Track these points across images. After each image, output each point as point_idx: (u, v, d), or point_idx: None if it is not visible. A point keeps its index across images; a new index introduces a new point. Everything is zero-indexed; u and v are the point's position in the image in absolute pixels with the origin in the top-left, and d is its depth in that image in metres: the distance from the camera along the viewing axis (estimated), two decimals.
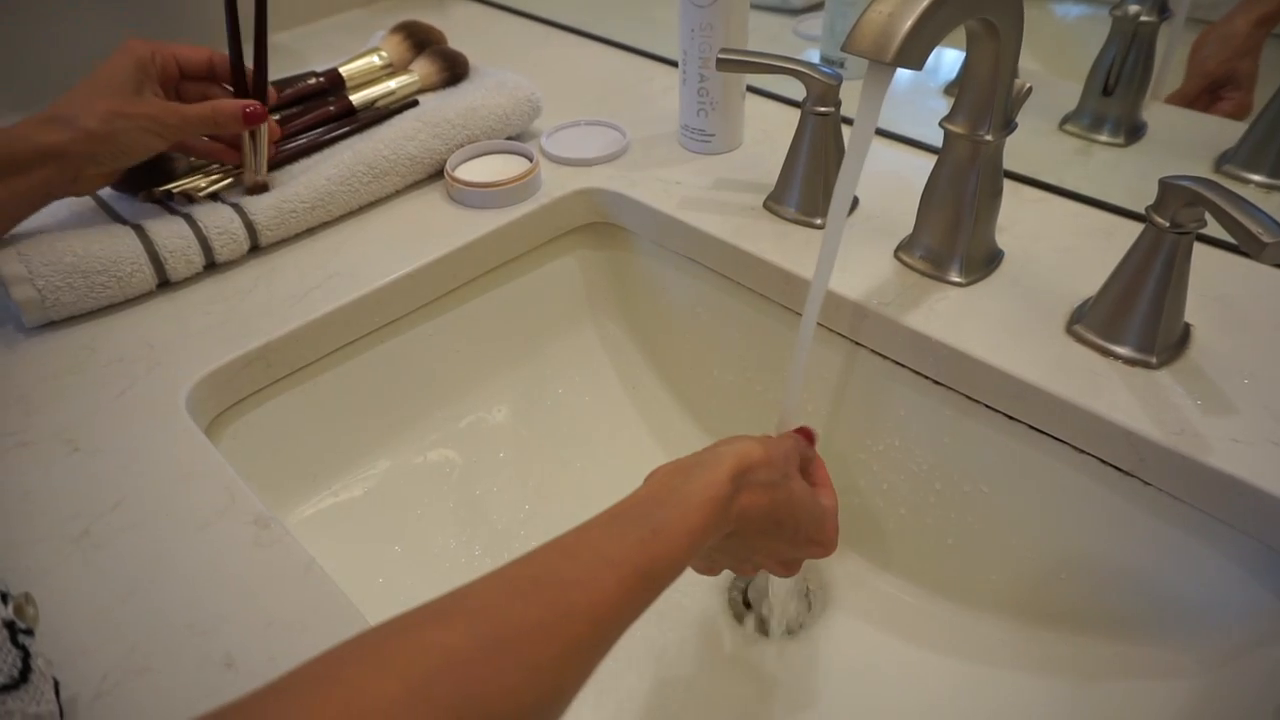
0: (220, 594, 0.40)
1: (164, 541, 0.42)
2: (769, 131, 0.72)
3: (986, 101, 0.50)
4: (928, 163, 0.54)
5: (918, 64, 0.41)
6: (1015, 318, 0.52)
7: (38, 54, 0.79)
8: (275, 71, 0.78)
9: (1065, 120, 0.71)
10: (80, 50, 0.80)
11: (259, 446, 0.55)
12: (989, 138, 0.50)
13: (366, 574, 0.57)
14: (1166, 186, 0.45)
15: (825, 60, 0.80)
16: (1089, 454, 0.48)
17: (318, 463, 0.59)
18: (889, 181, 0.64)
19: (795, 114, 0.60)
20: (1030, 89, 0.51)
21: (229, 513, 0.43)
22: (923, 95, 0.78)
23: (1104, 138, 0.70)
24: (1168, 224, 0.45)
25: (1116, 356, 0.49)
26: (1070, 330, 0.51)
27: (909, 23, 0.40)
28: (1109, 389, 0.47)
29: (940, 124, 0.52)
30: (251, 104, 0.59)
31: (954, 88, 0.77)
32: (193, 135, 0.58)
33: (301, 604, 0.39)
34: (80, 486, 0.44)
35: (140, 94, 0.55)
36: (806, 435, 0.51)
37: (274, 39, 0.92)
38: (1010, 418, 0.51)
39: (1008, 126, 0.51)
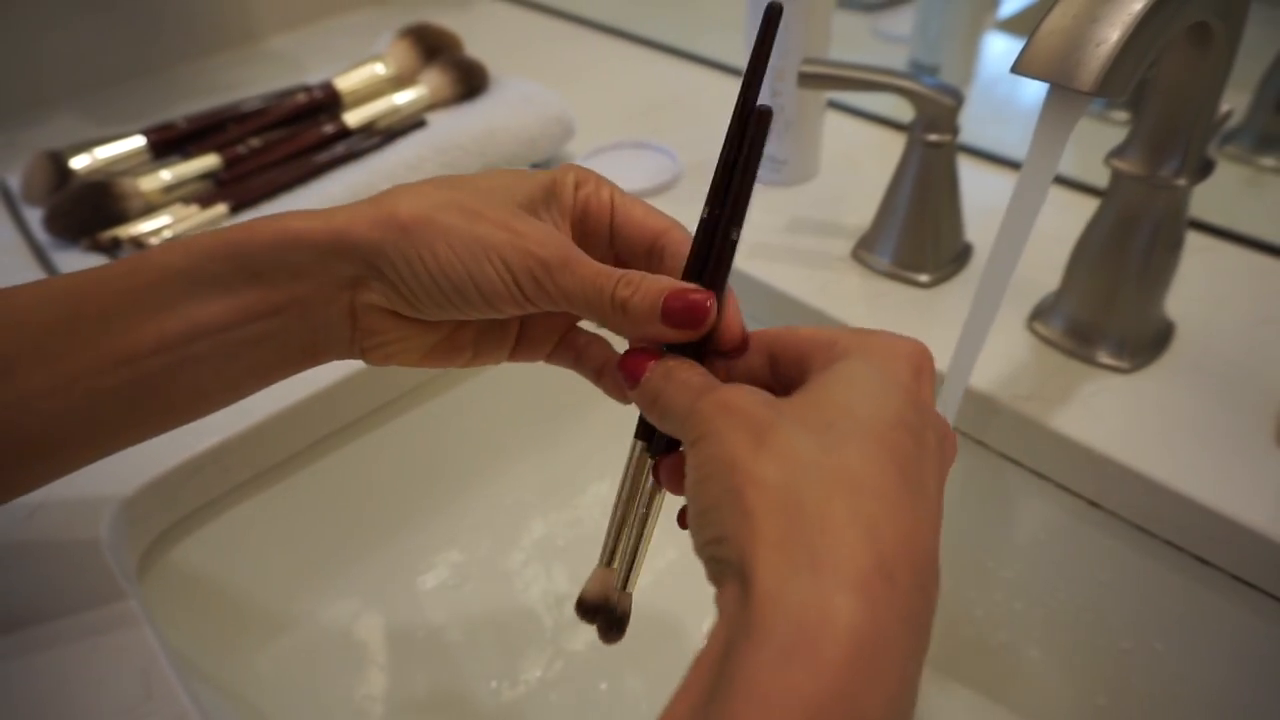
0: None
1: None
2: (850, 155, 0.59)
3: (1179, 133, 0.36)
4: (1066, 200, 0.41)
5: (1122, 90, 0.28)
6: (1206, 421, 0.39)
7: (27, 60, 0.69)
8: (264, 82, 0.67)
9: (1226, 139, 0.57)
10: (71, 58, 0.70)
11: (209, 575, 0.44)
12: (1181, 182, 0.37)
13: None
14: None
15: (915, 66, 0.67)
16: None
17: (287, 589, 0.47)
18: None
19: (880, 133, 0.48)
20: (1230, 112, 0.38)
21: (140, 713, 0.31)
22: None
23: (1273, 162, 0.56)
24: None
25: None
26: None
27: (1116, 34, 0.27)
28: None
29: (1107, 160, 0.39)
30: (696, 292, 0.26)
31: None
32: (568, 305, 0.28)
33: None
34: None
35: (528, 213, 0.29)
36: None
37: (270, 44, 0.81)
38: (1202, 560, 0.37)
39: (1205, 169, 0.37)
